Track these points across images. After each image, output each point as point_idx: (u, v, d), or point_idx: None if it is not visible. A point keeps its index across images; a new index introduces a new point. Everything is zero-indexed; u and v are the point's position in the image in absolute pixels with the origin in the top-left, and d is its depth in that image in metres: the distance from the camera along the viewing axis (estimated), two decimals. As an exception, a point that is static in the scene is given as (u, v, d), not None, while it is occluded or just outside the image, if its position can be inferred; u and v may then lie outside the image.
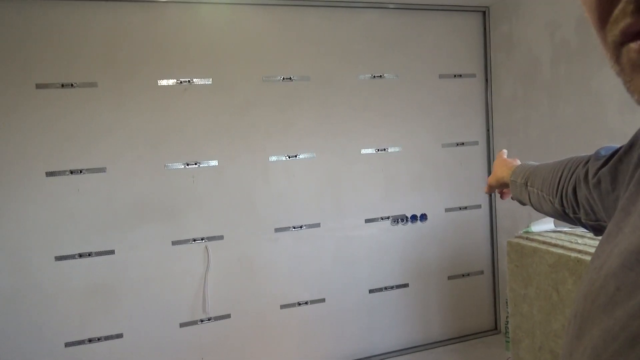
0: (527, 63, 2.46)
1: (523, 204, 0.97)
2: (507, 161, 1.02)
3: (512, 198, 1.01)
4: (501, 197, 1.09)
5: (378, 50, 2.54)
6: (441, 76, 2.66)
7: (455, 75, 2.69)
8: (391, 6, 2.52)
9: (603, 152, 0.65)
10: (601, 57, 2.04)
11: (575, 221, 0.78)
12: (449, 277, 2.78)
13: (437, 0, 2.54)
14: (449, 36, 2.66)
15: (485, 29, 2.73)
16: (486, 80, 2.75)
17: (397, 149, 2.61)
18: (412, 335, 2.73)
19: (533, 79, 2.42)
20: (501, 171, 1.03)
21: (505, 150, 1.09)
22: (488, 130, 2.78)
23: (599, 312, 0.34)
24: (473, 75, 2.74)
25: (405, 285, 2.69)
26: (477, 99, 2.76)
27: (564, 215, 0.79)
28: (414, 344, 2.73)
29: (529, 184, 0.91)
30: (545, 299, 1.67)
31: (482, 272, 2.85)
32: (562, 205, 0.77)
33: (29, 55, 2.04)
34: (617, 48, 0.30)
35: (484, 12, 2.72)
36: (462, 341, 2.79)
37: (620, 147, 0.57)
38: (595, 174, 0.61)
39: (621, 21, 0.28)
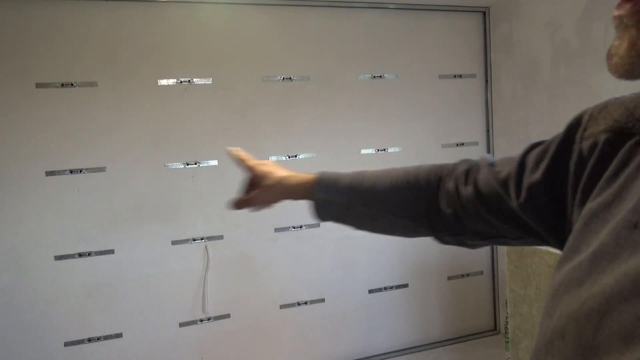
0: (527, 63, 2.46)
1: (323, 219, 0.81)
2: (275, 166, 0.88)
3: (318, 215, 0.82)
4: (241, 206, 0.91)
5: (378, 50, 2.54)
6: (441, 76, 2.66)
7: (455, 76, 2.69)
8: (391, 6, 2.52)
9: (490, 159, 0.61)
10: (601, 58, 2.04)
11: (451, 242, 0.68)
12: (449, 278, 2.78)
13: (437, 1, 2.54)
14: (449, 36, 2.66)
15: (485, 29, 2.73)
16: (486, 80, 2.75)
17: (397, 149, 2.61)
18: (412, 336, 2.73)
19: (533, 79, 2.42)
20: (292, 176, 0.84)
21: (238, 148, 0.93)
22: (488, 130, 2.78)
23: (614, 341, 0.32)
24: (473, 76, 2.74)
25: (405, 286, 2.69)
26: (477, 99, 2.76)
27: (431, 234, 0.69)
28: (414, 344, 2.73)
29: (357, 201, 0.74)
30: (544, 299, 1.67)
31: (481, 273, 2.85)
32: (432, 228, 0.67)
33: (29, 55, 2.04)
34: None
35: (484, 13, 2.72)
36: (461, 341, 2.79)
37: (529, 154, 0.54)
38: (519, 189, 0.54)
39: None
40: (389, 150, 2.59)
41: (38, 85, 2.06)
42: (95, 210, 2.16)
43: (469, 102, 2.74)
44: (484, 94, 2.77)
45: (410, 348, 2.71)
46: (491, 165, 0.61)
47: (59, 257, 2.12)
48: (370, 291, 2.62)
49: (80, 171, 2.13)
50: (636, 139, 0.42)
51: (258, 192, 0.87)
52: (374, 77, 2.55)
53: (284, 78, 2.40)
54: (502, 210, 0.57)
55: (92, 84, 2.13)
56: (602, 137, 0.45)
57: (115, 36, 2.15)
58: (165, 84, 2.23)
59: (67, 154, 2.11)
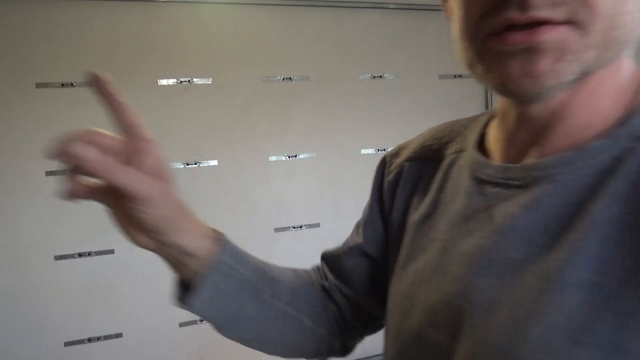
0: (527, 63, 2.46)
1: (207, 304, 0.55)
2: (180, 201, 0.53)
3: (209, 288, 0.53)
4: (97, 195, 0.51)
5: (378, 50, 2.54)
6: (441, 76, 2.66)
7: (455, 76, 2.69)
8: (391, 6, 2.52)
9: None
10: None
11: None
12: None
13: (438, 1, 2.53)
14: (449, 36, 2.65)
15: (485, 29, 2.73)
16: (486, 80, 2.75)
17: (397, 149, 2.61)
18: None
19: (533, 79, 2.42)
20: (189, 215, 0.54)
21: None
22: (488, 130, 2.78)
23: (473, 315, 0.41)
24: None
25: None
26: (478, 99, 2.76)
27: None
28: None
29: (266, 286, 0.59)
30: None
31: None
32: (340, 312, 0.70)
33: (29, 55, 2.04)
34: (484, 43, 0.39)
35: (484, 13, 2.72)
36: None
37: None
38: (360, 232, 0.67)
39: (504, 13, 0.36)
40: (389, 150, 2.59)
41: (38, 85, 2.06)
42: (95, 210, 2.15)
43: (469, 102, 2.74)
44: (484, 94, 2.77)
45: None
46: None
47: (59, 257, 2.12)
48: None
49: (80, 171, 2.13)
50: (432, 163, 0.56)
51: (154, 183, 0.49)
52: (374, 77, 2.55)
53: (284, 78, 2.40)
54: (356, 271, 0.67)
55: (90, 84, 2.13)
56: (406, 165, 0.60)
57: (115, 36, 2.15)
58: (165, 83, 2.23)
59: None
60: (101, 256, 2.17)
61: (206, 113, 2.30)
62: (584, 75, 0.38)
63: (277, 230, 2.43)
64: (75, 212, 2.13)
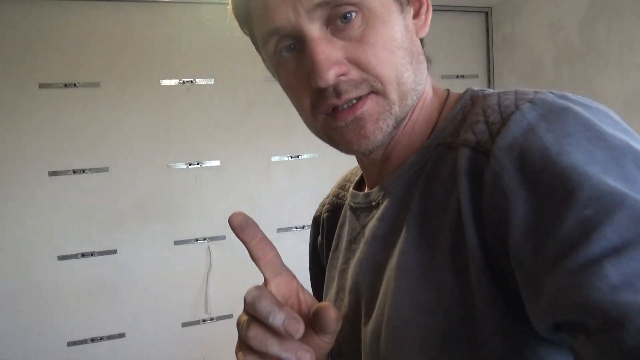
0: (530, 64, 2.45)
1: None
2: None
3: None
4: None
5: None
6: (443, 77, 2.66)
7: (457, 76, 2.69)
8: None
9: None
10: (604, 59, 2.04)
11: None
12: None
13: (440, 1, 2.54)
14: (451, 37, 2.66)
15: (487, 29, 2.72)
16: (489, 80, 2.75)
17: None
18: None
19: (535, 80, 2.42)
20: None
21: None
22: (490, 130, 2.78)
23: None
24: (475, 76, 2.73)
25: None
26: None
27: None
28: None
29: None
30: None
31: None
32: None
33: (33, 55, 2.05)
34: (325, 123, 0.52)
35: (487, 13, 2.71)
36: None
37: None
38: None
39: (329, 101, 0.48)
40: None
41: (41, 86, 2.06)
42: (98, 210, 2.16)
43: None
44: (486, 94, 2.77)
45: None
46: None
47: (62, 257, 2.13)
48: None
49: (83, 171, 2.14)
50: (339, 208, 0.69)
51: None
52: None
53: (286, 78, 2.40)
54: None
55: (95, 84, 2.13)
56: (325, 215, 0.73)
57: (118, 37, 2.15)
58: (168, 84, 2.24)
59: (70, 154, 2.12)
60: (104, 256, 2.18)
61: (209, 113, 2.30)
62: (399, 122, 0.51)
63: (279, 230, 2.43)
64: (78, 213, 2.14)
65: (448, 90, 0.60)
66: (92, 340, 2.18)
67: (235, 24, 0.58)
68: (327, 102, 0.49)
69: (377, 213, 0.55)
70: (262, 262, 0.51)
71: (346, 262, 0.60)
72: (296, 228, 2.45)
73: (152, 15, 2.19)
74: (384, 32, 0.49)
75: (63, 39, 2.08)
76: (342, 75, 0.47)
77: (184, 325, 2.31)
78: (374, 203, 0.57)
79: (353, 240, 0.60)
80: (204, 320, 2.34)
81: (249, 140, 2.36)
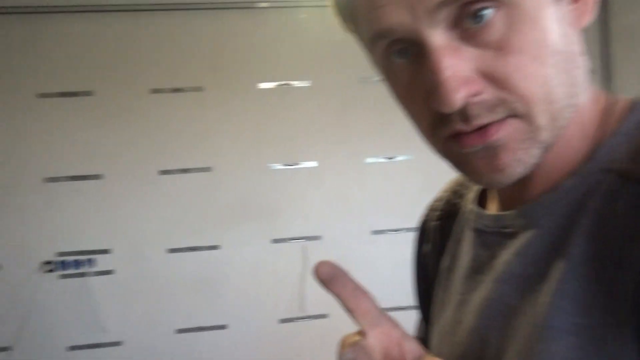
0: None
1: None
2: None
3: None
4: None
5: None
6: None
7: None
8: None
9: None
10: None
11: None
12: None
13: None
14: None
15: (604, 19, 2.45)
16: (607, 78, 2.47)
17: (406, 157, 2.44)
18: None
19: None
20: None
21: None
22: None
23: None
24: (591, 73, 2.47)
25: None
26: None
27: None
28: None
29: None
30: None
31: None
32: None
33: (145, 63, 2.22)
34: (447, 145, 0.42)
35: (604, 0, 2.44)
36: None
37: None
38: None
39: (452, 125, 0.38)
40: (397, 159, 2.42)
41: (153, 91, 2.24)
42: (202, 207, 2.30)
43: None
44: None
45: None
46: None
47: (171, 250, 2.29)
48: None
49: (189, 170, 2.29)
50: (454, 217, 0.59)
51: None
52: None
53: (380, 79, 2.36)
54: None
55: (198, 89, 2.26)
56: (436, 223, 0.63)
57: (219, 43, 2.27)
58: (265, 87, 2.31)
59: (177, 155, 2.27)
60: (209, 251, 2.30)
61: (305, 115, 2.34)
62: (548, 148, 0.40)
63: (374, 232, 2.39)
64: (185, 209, 2.29)
65: (609, 93, 0.46)
66: (198, 329, 2.31)
67: (337, 20, 0.49)
68: (451, 127, 0.39)
69: (516, 245, 0.43)
70: (358, 313, 0.46)
71: (467, 292, 0.50)
72: (391, 231, 2.40)
73: (251, 21, 2.28)
74: (533, 36, 0.36)
75: (174, 48, 2.24)
76: (473, 95, 0.36)
77: (281, 321, 2.36)
78: (507, 231, 0.45)
79: (477, 270, 0.49)
80: (300, 318, 2.37)
81: (344, 142, 2.36)
